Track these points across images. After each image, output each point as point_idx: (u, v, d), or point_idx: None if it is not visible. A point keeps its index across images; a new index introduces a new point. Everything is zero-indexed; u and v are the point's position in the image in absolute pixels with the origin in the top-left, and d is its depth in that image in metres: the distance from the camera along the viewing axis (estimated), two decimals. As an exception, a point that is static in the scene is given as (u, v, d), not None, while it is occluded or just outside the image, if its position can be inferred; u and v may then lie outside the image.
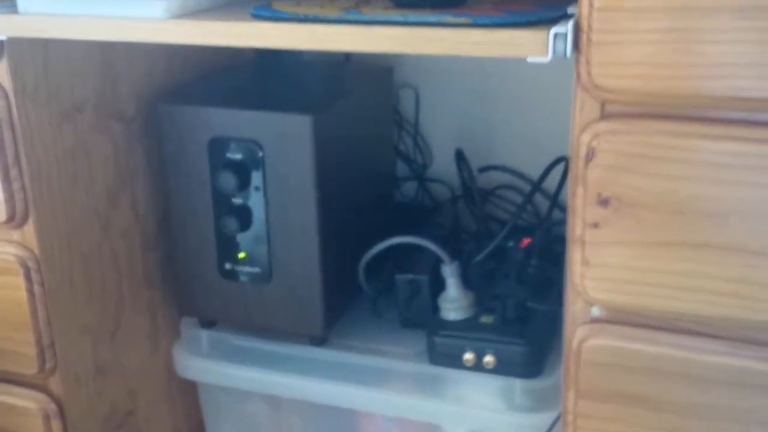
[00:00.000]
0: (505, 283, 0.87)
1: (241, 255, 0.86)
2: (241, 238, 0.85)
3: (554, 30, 0.54)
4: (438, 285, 0.86)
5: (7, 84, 0.71)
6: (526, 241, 0.92)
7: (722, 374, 0.56)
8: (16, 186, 0.74)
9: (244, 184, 0.83)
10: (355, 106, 0.89)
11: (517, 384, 0.80)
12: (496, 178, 1.04)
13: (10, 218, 0.75)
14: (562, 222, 0.91)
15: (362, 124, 0.92)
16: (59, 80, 0.77)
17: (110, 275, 0.86)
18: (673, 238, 0.55)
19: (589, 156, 0.55)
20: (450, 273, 0.84)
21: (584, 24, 0.53)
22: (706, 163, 0.53)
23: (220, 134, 0.81)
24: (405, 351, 0.86)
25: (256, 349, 0.89)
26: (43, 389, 0.80)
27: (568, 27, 0.53)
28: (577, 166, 0.56)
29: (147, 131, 0.89)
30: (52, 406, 0.80)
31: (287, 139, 0.78)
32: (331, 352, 0.87)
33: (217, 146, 0.82)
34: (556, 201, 0.89)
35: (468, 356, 0.81)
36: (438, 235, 0.92)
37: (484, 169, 1.04)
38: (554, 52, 0.54)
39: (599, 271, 0.57)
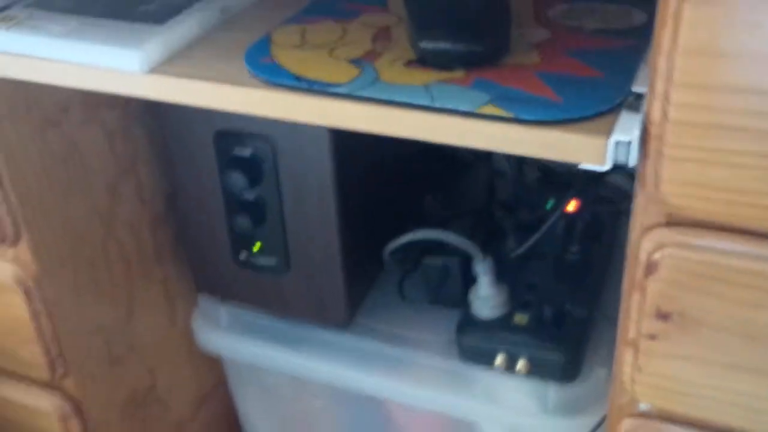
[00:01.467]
0: (542, 271, 0.80)
1: (256, 247, 0.80)
2: (255, 230, 0.78)
3: (615, 137, 0.43)
4: (468, 266, 0.80)
5: (-22, 107, 0.62)
6: (570, 205, 0.83)
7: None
8: (2, 210, 0.67)
9: (255, 180, 0.75)
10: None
11: (551, 387, 0.76)
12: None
13: (1, 241, 0.69)
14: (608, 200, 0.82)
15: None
16: (39, 86, 0.67)
17: (118, 268, 0.81)
18: (743, 361, 0.48)
19: (651, 268, 0.47)
20: (482, 270, 0.78)
21: (654, 131, 0.43)
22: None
23: (226, 127, 0.71)
24: (434, 338, 0.82)
25: (277, 326, 0.86)
26: (58, 390, 0.79)
27: (633, 134, 0.43)
28: (635, 270, 0.48)
29: (147, 107, 0.79)
30: (69, 406, 0.79)
31: (302, 130, 0.68)
32: (357, 337, 0.83)
33: (224, 140, 0.73)
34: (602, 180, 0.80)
35: (500, 359, 0.77)
36: (471, 211, 0.85)
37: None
38: (614, 159, 0.44)
39: (652, 380, 0.51)
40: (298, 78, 0.51)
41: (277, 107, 0.50)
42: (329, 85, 0.50)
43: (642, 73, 0.48)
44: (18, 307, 0.72)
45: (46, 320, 0.72)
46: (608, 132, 0.44)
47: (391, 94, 0.48)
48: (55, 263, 0.73)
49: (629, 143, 0.43)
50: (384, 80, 0.50)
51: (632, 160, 0.44)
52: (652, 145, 0.43)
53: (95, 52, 0.53)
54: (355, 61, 0.52)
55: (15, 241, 0.69)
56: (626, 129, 0.43)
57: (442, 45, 0.50)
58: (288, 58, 0.53)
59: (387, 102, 0.48)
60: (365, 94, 0.48)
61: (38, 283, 0.71)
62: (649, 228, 0.47)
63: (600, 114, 0.45)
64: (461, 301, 0.80)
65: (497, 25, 0.51)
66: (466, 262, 0.80)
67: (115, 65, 0.53)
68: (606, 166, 0.44)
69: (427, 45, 0.50)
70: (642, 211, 0.47)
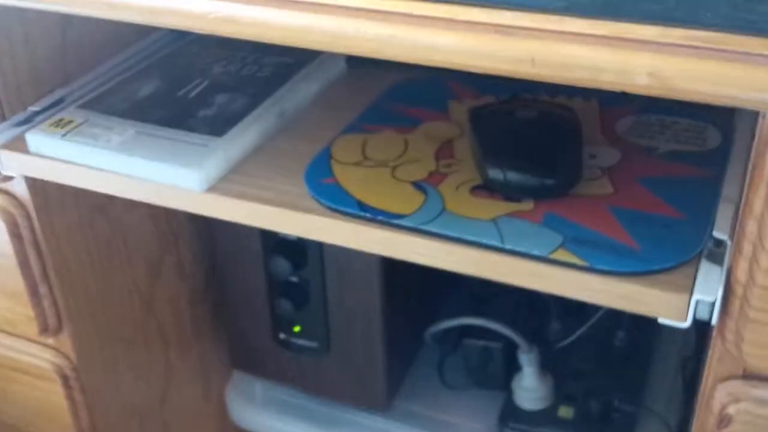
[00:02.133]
0: (587, 358, 0.78)
1: (297, 328, 0.78)
2: (297, 312, 0.77)
3: (698, 296, 0.42)
4: (511, 348, 0.78)
5: (27, 203, 0.61)
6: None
7: None
8: (46, 303, 0.67)
9: (300, 264, 0.74)
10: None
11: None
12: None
13: (42, 331, 0.68)
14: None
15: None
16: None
17: (156, 347, 0.80)
18: None
19: (724, 422, 0.45)
20: (527, 361, 0.76)
21: (739, 290, 0.41)
22: None
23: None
24: (474, 425, 0.80)
25: (313, 406, 0.84)
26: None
27: (716, 293, 0.41)
28: (705, 419, 0.47)
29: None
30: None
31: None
32: (395, 422, 0.81)
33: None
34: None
35: (545, 454, 0.75)
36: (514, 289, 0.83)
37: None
38: (695, 316, 0.42)
39: None
40: (361, 205, 0.49)
41: (340, 236, 0.49)
42: (394, 216, 0.48)
43: (721, 214, 0.46)
44: (56, 395, 0.71)
45: (83, 408, 0.71)
46: (689, 288, 0.42)
47: (458, 230, 0.47)
48: (95, 350, 0.72)
49: (712, 303, 0.41)
50: (450, 210, 0.48)
51: (714, 319, 0.42)
52: (736, 305, 0.42)
53: (154, 168, 0.52)
54: (419, 185, 0.51)
55: (57, 332, 0.68)
56: (708, 286, 0.42)
57: (512, 177, 0.48)
58: (350, 178, 0.52)
59: (455, 239, 0.46)
60: (432, 228, 0.47)
61: (77, 372, 0.70)
62: (725, 379, 0.45)
63: (682, 260, 0.44)
64: (503, 385, 0.79)
65: (570, 156, 0.50)
66: (509, 344, 0.78)
67: (173, 182, 0.52)
68: (686, 324, 0.43)
69: (495, 175, 0.49)
70: (717, 362, 0.45)
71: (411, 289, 0.79)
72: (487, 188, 0.50)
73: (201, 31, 0.41)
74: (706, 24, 0.35)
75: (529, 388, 0.76)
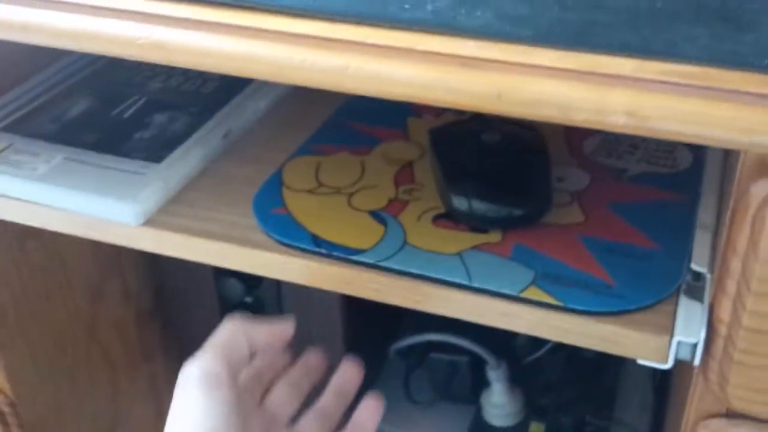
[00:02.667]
0: (556, 369, 0.76)
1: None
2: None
3: (679, 337, 0.39)
4: (478, 362, 0.76)
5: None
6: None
7: None
8: None
9: (253, 285, 0.70)
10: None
11: (569, 502, 0.72)
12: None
13: None
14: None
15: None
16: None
17: (102, 374, 0.76)
18: None
19: (706, 462, 0.43)
20: (496, 377, 0.73)
21: (722, 330, 0.38)
22: None
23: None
24: (443, 442, 0.77)
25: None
26: None
27: (699, 334, 0.39)
28: (686, 458, 0.44)
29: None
30: None
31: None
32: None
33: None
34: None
35: (515, 473, 0.72)
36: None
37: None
38: (677, 357, 0.39)
39: None
40: (316, 240, 0.45)
41: (294, 273, 0.45)
42: (352, 251, 0.44)
43: (698, 243, 0.43)
44: None
45: None
46: (669, 328, 0.39)
47: (422, 266, 0.43)
48: (34, 384, 0.67)
49: (695, 345, 0.39)
50: (411, 243, 0.45)
51: (697, 360, 0.39)
52: (719, 345, 0.39)
53: (85, 200, 0.47)
54: (378, 215, 0.47)
55: None
56: (690, 326, 0.39)
57: (478, 207, 0.45)
58: (303, 208, 0.48)
59: (418, 276, 0.43)
60: (393, 265, 0.43)
61: (14, 408, 0.65)
62: (706, 417, 0.43)
63: (661, 296, 0.41)
64: (470, 399, 0.76)
65: (539, 182, 0.47)
66: (476, 358, 0.75)
67: (107, 215, 0.48)
68: (668, 365, 0.40)
69: (460, 205, 0.45)
70: (699, 400, 0.43)
71: (373, 304, 0.76)
72: (451, 217, 0.46)
73: (129, 58, 0.37)
74: (686, 57, 0.31)
75: (499, 404, 0.74)
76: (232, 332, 0.43)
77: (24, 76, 0.61)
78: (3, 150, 0.51)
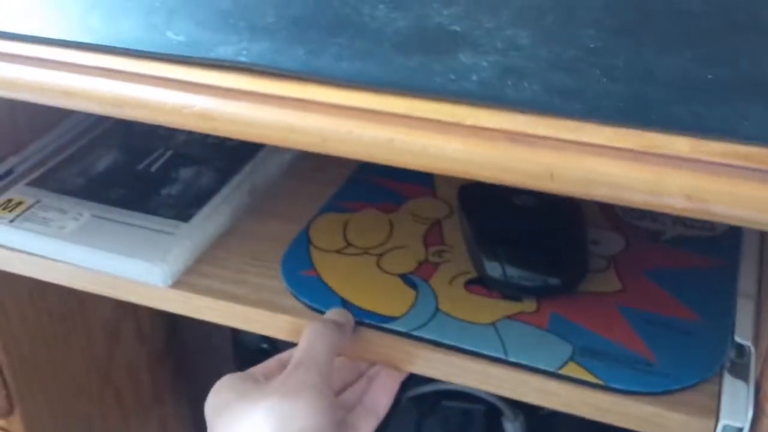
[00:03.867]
0: (576, 427, 0.74)
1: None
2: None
3: (724, 421, 0.38)
4: (494, 411, 0.74)
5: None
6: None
7: None
8: None
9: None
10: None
11: None
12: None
13: None
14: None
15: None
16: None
17: (115, 417, 0.75)
18: None
19: None
20: (512, 430, 0.72)
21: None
22: None
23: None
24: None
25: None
26: None
27: (745, 417, 0.38)
28: None
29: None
30: None
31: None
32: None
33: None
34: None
35: None
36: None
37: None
38: (720, 439, 0.38)
39: None
40: (346, 305, 0.44)
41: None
42: (383, 318, 0.44)
43: (741, 314, 0.42)
44: None
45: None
46: (714, 410, 0.38)
47: (456, 336, 0.42)
48: (49, 429, 0.66)
49: (741, 429, 0.38)
50: (444, 311, 0.44)
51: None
52: (766, 424, 0.38)
53: (113, 261, 0.47)
54: (409, 279, 0.46)
55: (7, 414, 0.62)
56: (735, 408, 0.38)
57: (512, 274, 0.44)
58: (332, 269, 0.47)
59: (452, 347, 0.42)
60: (426, 335, 0.42)
61: (30, 456, 0.64)
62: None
63: (701, 380, 0.40)
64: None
65: (574, 248, 0.46)
66: (492, 409, 0.74)
67: (134, 276, 0.47)
68: (710, 447, 0.39)
69: (493, 272, 0.44)
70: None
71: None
72: (484, 283, 0.45)
73: (172, 126, 0.36)
74: (743, 136, 0.31)
75: (517, 458, 0.72)
76: (326, 341, 0.42)
77: (46, 126, 0.60)
78: (31, 207, 0.50)
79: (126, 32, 0.37)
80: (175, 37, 0.36)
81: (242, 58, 0.34)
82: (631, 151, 0.31)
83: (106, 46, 0.36)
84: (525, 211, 0.47)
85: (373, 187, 0.55)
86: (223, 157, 0.55)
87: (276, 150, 0.56)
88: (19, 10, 0.40)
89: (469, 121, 0.32)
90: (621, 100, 0.32)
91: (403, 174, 0.56)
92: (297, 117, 0.33)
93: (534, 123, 0.31)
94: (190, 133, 0.58)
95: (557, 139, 0.31)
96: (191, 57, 0.34)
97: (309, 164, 0.58)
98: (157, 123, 0.35)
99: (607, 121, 0.31)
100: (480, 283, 0.46)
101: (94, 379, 0.71)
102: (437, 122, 0.32)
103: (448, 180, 0.55)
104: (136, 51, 0.35)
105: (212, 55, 0.34)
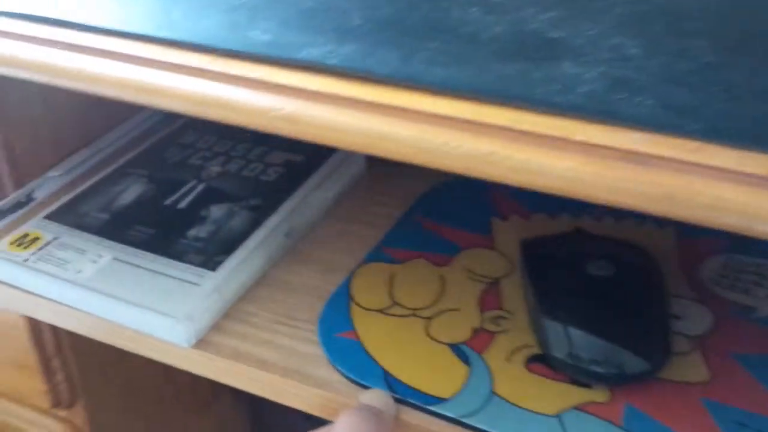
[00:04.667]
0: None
1: None
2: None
3: None
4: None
5: None
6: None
7: None
8: (59, 377, 0.59)
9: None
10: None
11: None
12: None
13: (55, 405, 0.60)
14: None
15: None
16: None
17: (174, 414, 0.72)
18: None
19: None
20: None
21: None
22: None
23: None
24: None
25: None
26: None
27: None
28: None
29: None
30: None
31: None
32: None
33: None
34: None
35: None
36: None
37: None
38: None
39: None
40: (389, 379, 0.39)
41: (361, 420, 0.39)
42: (430, 399, 0.38)
43: None
44: None
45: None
46: None
47: (513, 428, 0.36)
48: (110, 422, 0.64)
49: None
50: (500, 395, 0.38)
51: None
52: None
53: (132, 314, 0.42)
54: (461, 351, 0.41)
55: (70, 405, 0.60)
56: None
57: (582, 358, 0.38)
58: (374, 333, 0.42)
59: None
60: (479, 424, 0.37)
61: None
62: None
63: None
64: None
65: (655, 327, 0.40)
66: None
67: (155, 333, 0.42)
68: None
69: (559, 353, 0.38)
70: None
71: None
72: (548, 362, 0.40)
73: (257, 129, 0.32)
74: None
75: None
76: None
77: (73, 146, 0.56)
78: (48, 244, 0.46)
79: (209, 29, 0.33)
80: (260, 37, 0.32)
81: (332, 61, 0.31)
82: (761, 177, 0.25)
83: (190, 43, 0.33)
84: (598, 276, 0.41)
85: (424, 234, 0.49)
86: (259, 194, 0.50)
87: (317, 186, 0.51)
88: (100, 4, 0.37)
89: (578, 137, 0.27)
90: (745, 120, 0.27)
91: (455, 218, 0.51)
92: (390, 124, 0.29)
93: (650, 142, 0.27)
94: (223, 164, 0.53)
95: (677, 160, 0.26)
96: (278, 57, 0.31)
97: (351, 204, 0.52)
98: (240, 125, 0.32)
99: (730, 143, 0.26)
100: (543, 360, 0.40)
101: (155, 375, 0.68)
102: (542, 136, 0.27)
103: (507, 228, 0.49)
104: (222, 49, 0.32)
105: (300, 56, 0.31)
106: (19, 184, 0.54)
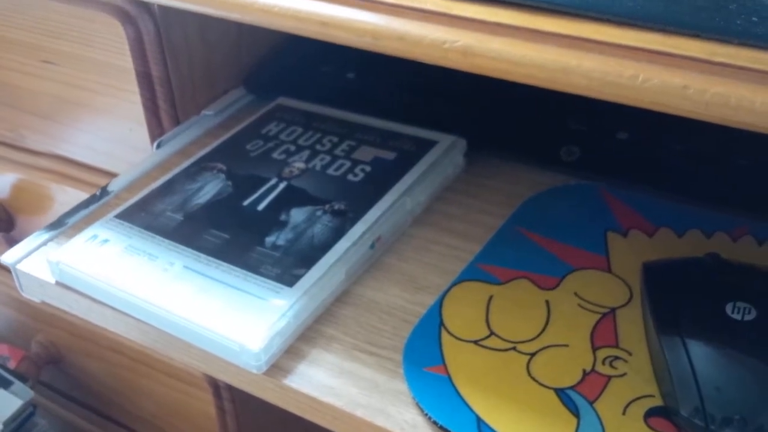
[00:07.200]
0: None
1: None
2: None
3: None
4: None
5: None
6: None
7: None
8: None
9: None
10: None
11: None
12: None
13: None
14: None
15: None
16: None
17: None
18: None
19: None
20: None
21: None
22: None
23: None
24: None
25: None
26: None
27: None
28: None
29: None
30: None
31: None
32: None
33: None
34: None
35: None
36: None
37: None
38: None
39: None
40: (481, 426, 0.34)
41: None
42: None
43: None
44: (205, 403, 0.61)
45: (232, 418, 0.62)
46: None
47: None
48: None
49: None
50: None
51: None
52: None
53: (199, 332, 0.38)
54: (569, 397, 0.35)
55: None
56: None
57: (716, 420, 0.31)
58: (467, 370, 0.36)
59: None
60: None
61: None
62: None
63: None
64: None
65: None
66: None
67: (224, 356, 0.38)
68: None
69: (687, 412, 0.32)
70: None
71: None
72: (672, 418, 0.33)
73: (431, 62, 0.30)
74: None
75: None
76: None
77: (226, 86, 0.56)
78: (116, 248, 0.43)
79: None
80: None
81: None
82: None
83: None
84: (739, 323, 0.34)
85: (528, 247, 0.43)
86: (344, 196, 0.45)
87: (408, 190, 0.45)
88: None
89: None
90: None
91: (564, 230, 0.45)
92: (572, 56, 0.27)
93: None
94: (308, 159, 0.48)
95: None
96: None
97: (447, 210, 0.47)
98: (414, 58, 0.30)
99: None
100: (666, 414, 0.34)
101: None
102: (742, 69, 0.25)
103: (626, 246, 0.43)
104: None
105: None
106: (175, 121, 0.53)
